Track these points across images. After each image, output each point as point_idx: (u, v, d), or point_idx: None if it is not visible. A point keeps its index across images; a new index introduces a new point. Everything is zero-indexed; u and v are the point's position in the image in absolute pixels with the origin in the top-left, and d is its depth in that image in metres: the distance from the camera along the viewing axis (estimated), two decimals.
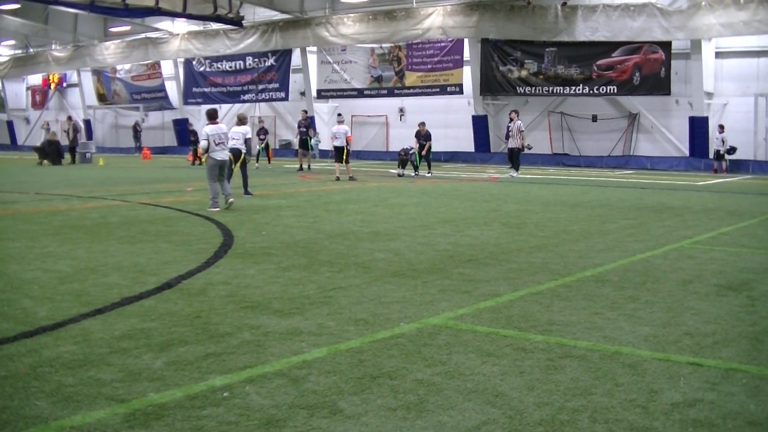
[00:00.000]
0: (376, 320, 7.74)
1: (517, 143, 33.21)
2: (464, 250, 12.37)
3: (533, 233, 14.45)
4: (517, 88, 42.07)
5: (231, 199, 17.97)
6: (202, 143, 18.20)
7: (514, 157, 33.37)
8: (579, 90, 40.23)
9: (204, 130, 18.37)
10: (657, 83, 38.16)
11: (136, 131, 58.57)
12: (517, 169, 32.99)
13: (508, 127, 34.01)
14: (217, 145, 17.89)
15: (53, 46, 63.30)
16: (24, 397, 5.56)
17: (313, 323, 7.60)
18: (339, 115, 33.01)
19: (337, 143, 29.19)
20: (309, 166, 36.75)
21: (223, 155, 18.11)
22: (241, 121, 21.21)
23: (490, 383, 5.89)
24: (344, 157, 28.89)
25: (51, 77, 66.88)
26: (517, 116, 34.00)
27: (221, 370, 6.17)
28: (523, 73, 41.73)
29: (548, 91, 41.21)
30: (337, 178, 28.38)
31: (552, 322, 7.73)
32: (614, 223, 16.06)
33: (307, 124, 37.49)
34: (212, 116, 18.52)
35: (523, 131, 33.23)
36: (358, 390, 5.72)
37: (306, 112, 39.38)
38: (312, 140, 38.39)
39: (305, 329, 7.38)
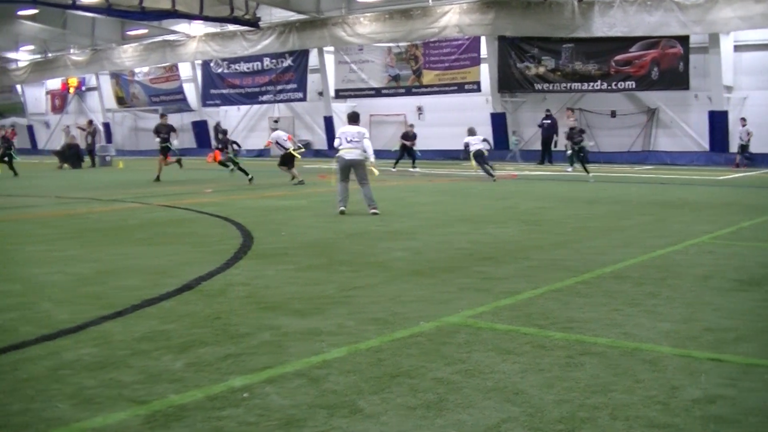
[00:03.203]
0: (395, 319, 7.74)
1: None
2: (482, 248, 12.36)
3: (552, 230, 14.43)
4: (535, 85, 41.98)
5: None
6: None
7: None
8: (597, 86, 40.09)
9: None
10: (675, 78, 37.97)
11: (218, 132, 56.72)
12: (572, 165, 34.73)
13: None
14: None
15: (71, 51, 63.49)
16: (45, 399, 5.59)
17: (333, 323, 7.61)
18: (276, 121, 32.22)
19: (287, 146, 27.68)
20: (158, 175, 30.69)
21: None
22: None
23: (510, 381, 5.88)
24: (291, 160, 27.61)
25: (70, 81, 67.05)
26: (572, 114, 35.66)
27: (241, 370, 6.18)
28: (541, 69, 41.61)
29: (566, 87, 41.08)
30: (301, 182, 27.07)
31: (571, 319, 7.72)
32: (633, 219, 16.02)
33: (169, 129, 32.92)
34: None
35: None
36: (378, 389, 5.72)
37: (165, 116, 35.95)
38: (173, 145, 32.54)
39: (324, 329, 7.39)
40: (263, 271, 10.52)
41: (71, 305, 8.55)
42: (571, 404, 5.40)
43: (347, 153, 17.08)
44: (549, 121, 38.98)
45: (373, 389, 5.72)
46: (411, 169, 34.57)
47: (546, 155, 39.14)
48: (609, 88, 39.76)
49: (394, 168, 34.60)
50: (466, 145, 31.97)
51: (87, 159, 44.51)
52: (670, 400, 5.47)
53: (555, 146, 39.27)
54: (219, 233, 14.47)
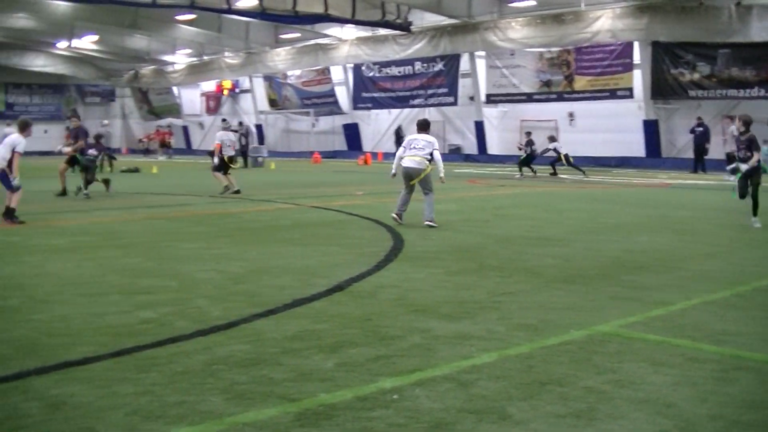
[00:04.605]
0: (545, 326, 7.69)
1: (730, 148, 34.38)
2: (634, 256, 12.17)
3: (705, 240, 14.12)
4: (689, 91, 41.00)
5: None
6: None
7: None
8: (754, 93, 38.88)
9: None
10: None
11: (399, 136, 56.30)
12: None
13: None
14: None
15: (226, 54, 64.80)
16: (199, 392, 5.74)
17: (482, 328, 7.59)
18: (224, 120, 30.62)
19: (230, 152, 25.68)
20: (83, 186, 23.33)
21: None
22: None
23: (661, 393, 5.78)
24: (227, 167, 25.35)
25: (224, 83, 68.41)
26: (732, 122, 34.92)
27: (390, 372, 6.23)
28: (695, 76, 40.62)
29: (721, 94, 39.99)
30: (227, 188, 24.79)
31: (725, 332, 7.53)
32: None
33: (78, 133, 24.72)
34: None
35: (735, 136, 34.39)
36: (527, 396, 5.69)
37: (78, 119, 26.58)
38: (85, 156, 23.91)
39: (474, 334, 7.38)
40: (413, 274, 10.57)
41: (224, 302, 8.74)
42: (724, 420, 5.28)
43: (408, 161, 16.10)
44: (701, 129, 38.05)
45: (523, 396, 5.69)
46: (523, 173, 34.69)
47: (699, 164, 38.22)
48: (767, 94, 38.62)
49: (534, 173, 34.76)
50: (556, 150, 33.27)
51: (240, 160, 45.36)
52: None
53: (707, 154, 38.32)
54: (370, 235, 14.59)
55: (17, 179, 16.19)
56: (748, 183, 16.36)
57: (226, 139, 25.51)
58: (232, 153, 25.70)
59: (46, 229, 15.64)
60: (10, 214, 16.13)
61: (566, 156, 34.43)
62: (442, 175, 16.04)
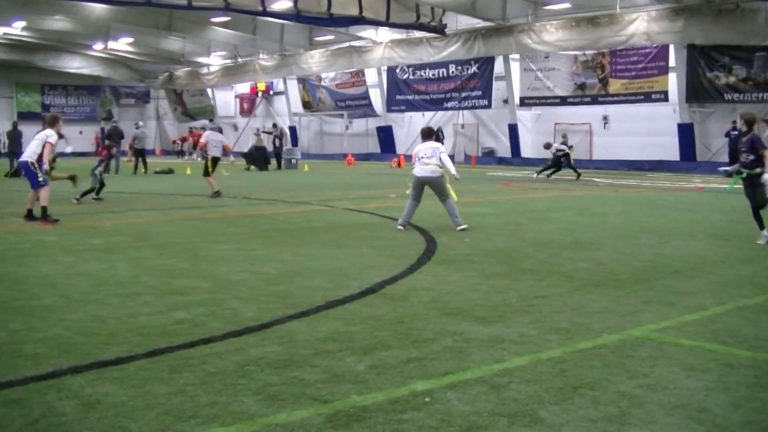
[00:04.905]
0: (577, 330, 7.67)
1: None
2: (668, 261, 12.11)
3: (740, 245, 14.01)
4: (725, 95, 40.65)
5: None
6: None
7: None
8: None
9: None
10: None
11: (437, 138, 54.55)
12: None
13: None
14: None
15: (261, 56, 65.01)
16: (232, 393, 5.77)
17: (515, 331, 7.58)
18: (211, 120, 29.02)
19: (216, 153, 24.53)
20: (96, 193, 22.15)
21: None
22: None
23: (694, 398, 5.76)
24: (212, 168, 24.31)
25: (258, 85, 68.63)
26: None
27: (423, 375, 6.23)
28: (731, 79, 40.26)
29: (758, 97, 39.59)
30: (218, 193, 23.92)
31: (759, 338, 7.48)
32: None
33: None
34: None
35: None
36: (559, 400, 5.68)
37: (110, 116, 26.18)
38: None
39: (507, 337, 7.37)
40: (446, 277, 10.57)
41: (257, 303, 8.78)
42: (758, 426, 5.26)
43: (419, 170, 15.82)
44: (736, 132, 37.74)
45: (555, 399, 5.69)
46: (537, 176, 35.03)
47: None
48: None
49: (547, 176, 35.05)
50: (562, 150, 33.51)
51: (273, 161, 45.57)
52: None
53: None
54: (403, 238, 14.58)
55: (45, 165, 16.43)
56: (755, 191, 14.65)
57: (213, 139, 24.63)
58: (218, 155, 24.61)
59: (81, 229, 15.75)
60: (43, 212, 16.31)
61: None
62: (453, 172, 15.98)
